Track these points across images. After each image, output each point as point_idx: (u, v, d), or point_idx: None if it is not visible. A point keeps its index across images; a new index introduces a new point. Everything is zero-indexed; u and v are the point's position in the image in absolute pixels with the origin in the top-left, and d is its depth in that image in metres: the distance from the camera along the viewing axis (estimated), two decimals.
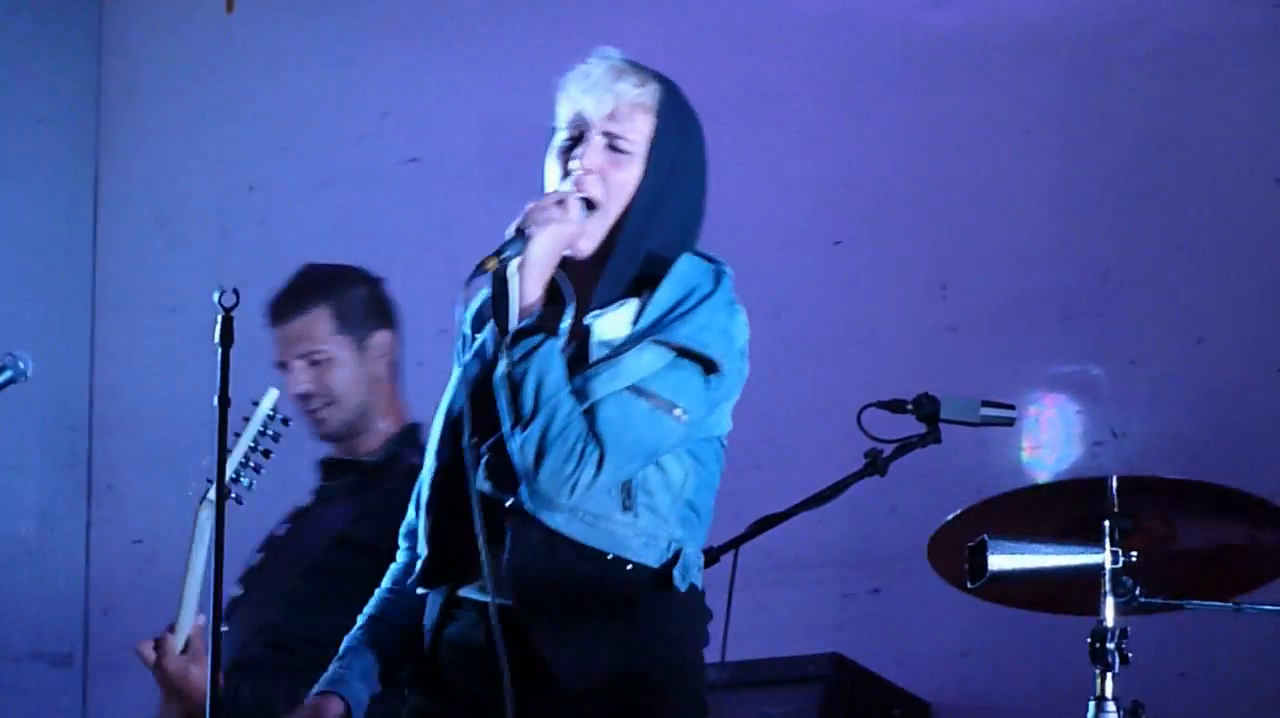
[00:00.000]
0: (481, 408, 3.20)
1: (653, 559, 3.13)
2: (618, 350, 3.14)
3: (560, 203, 3.19)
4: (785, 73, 5.92)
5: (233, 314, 3.23)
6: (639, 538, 3.11)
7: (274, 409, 3.73)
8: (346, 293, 4.45)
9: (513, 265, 3.13)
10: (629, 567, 3.10)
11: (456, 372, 3.31)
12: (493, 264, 3.17)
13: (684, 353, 3.12)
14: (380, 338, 4.38)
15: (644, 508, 3.13)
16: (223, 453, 3.31)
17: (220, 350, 3.20)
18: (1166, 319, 5.42)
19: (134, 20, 6.80)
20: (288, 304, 4.40)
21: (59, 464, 6.73)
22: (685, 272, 3.20)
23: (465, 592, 3.25)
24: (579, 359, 3.18)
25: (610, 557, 3.10)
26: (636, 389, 3.10)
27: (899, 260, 5.68)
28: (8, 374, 3.93)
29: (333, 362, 4.39)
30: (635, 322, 3.20)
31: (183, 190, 6.25)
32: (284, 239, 6.00)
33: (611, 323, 3.22)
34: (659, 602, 3.14)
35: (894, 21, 5.82)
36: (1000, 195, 5.69)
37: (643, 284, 3.24)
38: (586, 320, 3.20)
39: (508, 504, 3.11)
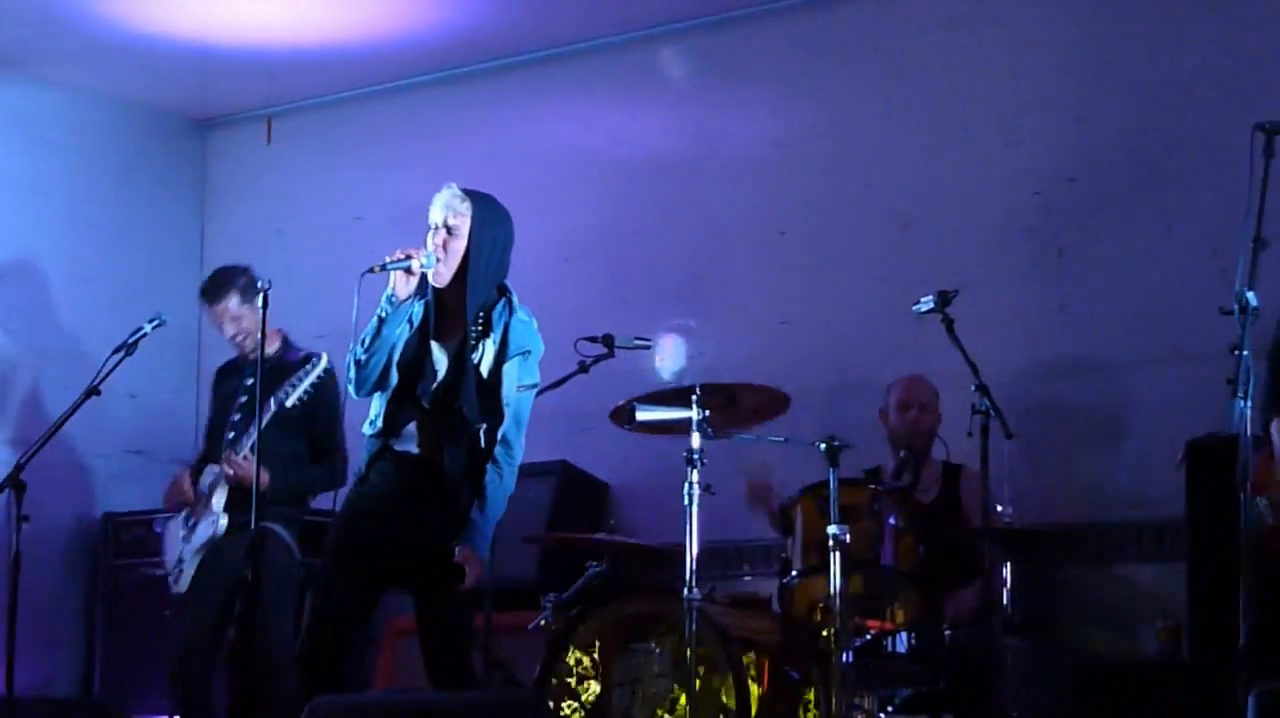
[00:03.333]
0: (417, 360, 6.04)
1: None
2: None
3: (409, 256, 5.91)
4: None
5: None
6: None
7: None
8: (234, 278, 7.52)
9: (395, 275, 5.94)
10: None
11: (375, 323, 5.93)
12: (377, 269, 5.89)
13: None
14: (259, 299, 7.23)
15: None
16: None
17: None
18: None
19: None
20: (213, 292, 7.52)
21: None
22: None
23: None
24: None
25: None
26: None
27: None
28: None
29: (241, 318, 7.48)
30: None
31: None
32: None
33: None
34: None
35: None
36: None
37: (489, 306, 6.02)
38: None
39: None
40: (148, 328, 7.53)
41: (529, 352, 6.09)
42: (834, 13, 8.81)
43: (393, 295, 6.02)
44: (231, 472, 7.31)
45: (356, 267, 6.00)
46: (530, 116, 9.61)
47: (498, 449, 6.04)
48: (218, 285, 7.53)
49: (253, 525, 6.45)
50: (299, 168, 10.35)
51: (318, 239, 9.87)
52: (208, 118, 10.63)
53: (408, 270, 5.99)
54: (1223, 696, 5.20)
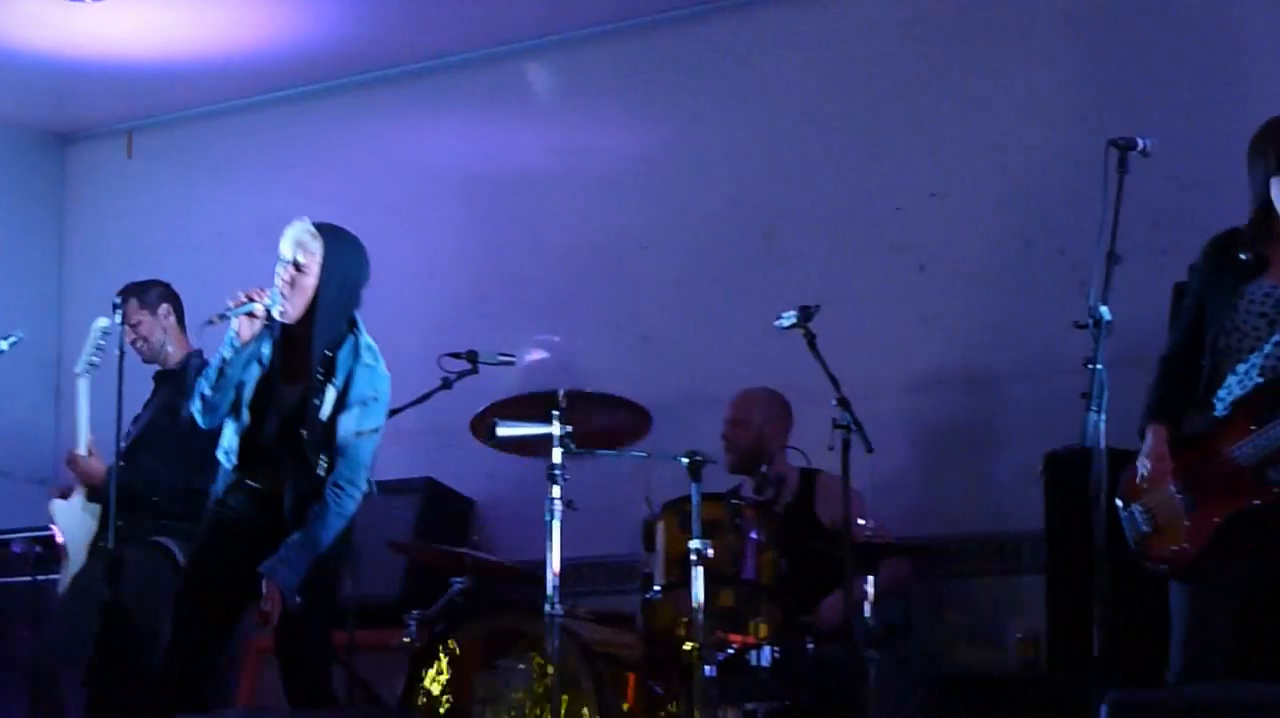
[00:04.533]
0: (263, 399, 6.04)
1: None
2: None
3: (252, 299, 5.98)
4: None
5: None
6: None
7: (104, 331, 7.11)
8: (145, 290, 7.60)
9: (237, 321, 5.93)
10: None
11: (219, 363, 6.00)
12: (217, 320, 5.88)
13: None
14: (164, 308, 7.55)
15: None
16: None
17: None
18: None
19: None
20: (122, 296, 7.43)
21: None
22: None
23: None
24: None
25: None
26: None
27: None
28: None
29: (142, 323, 7.54)
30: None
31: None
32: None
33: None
34: None
35: None
36: None
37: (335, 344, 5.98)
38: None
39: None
40: (4, 345, 7.43)
41: (371, 399, 6.08)
42: (697, 29, 8.85)
43: (235, 340, 6.00)
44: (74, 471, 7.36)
45: (217, 281, 5.99)
46: (394, 131, 9.60)
47: (328, 491, 6.03)
48: (126, 291, 7.54)
49: (110, 544, 6.41)
50: (160, 182, 10.27)
51: (179, 254, 9.77)
52: (67, 131, 10.54)
53: (250, 314, 5.97)
54: (1078, 706, 5.26)
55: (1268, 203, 5.44)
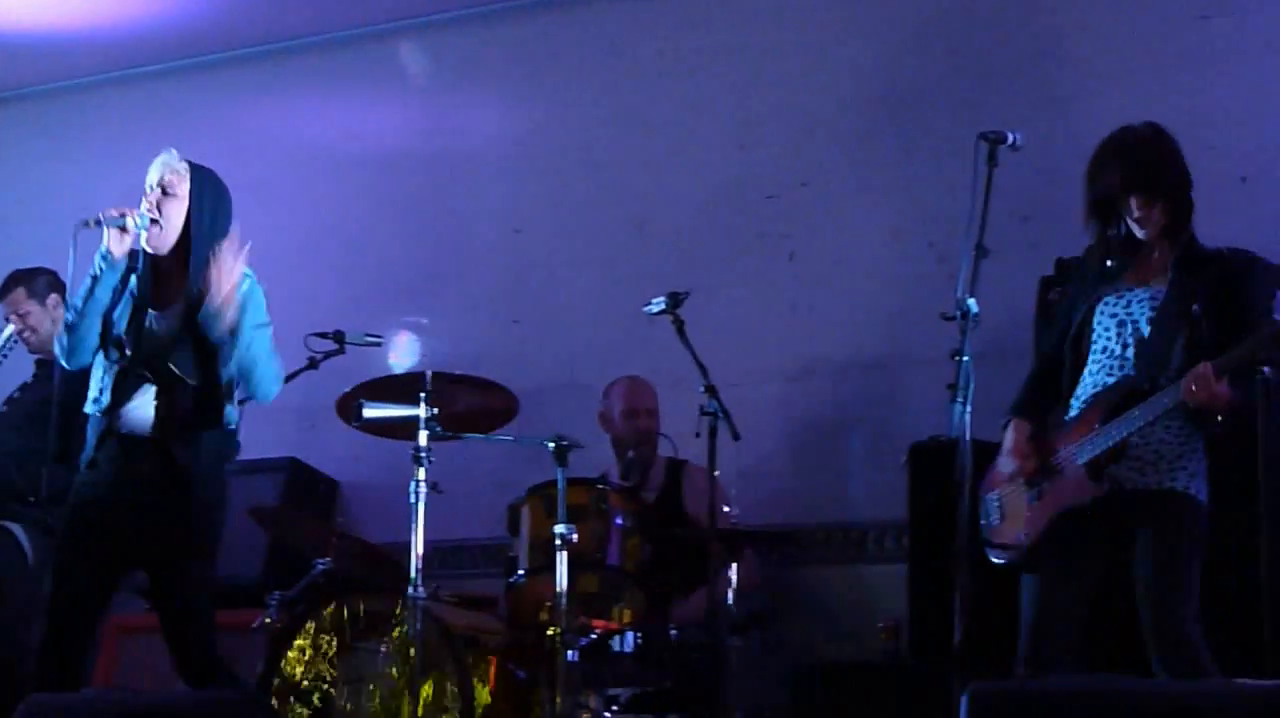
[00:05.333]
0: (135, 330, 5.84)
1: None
2: None
3: (124, 214, 5.76)
4: None
5: None
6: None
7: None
8: (33, 278, 7.41)
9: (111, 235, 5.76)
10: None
11: (89, 282, 5.78)
12: (91, 223, 5.71)
13: None
14: (53, 298, 7.32)
15: None
16: None
17: None
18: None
19: None
20: (4, 284, 7.38)
21: None
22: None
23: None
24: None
25: None
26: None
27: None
28: None
29: (30, 313, 7.33)
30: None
31: None
32: None
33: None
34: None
35: None
36: None
37: None
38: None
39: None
40: None
41: (265, 324, 6.03)
42: (573, 11, 8.85)
43: (108, 254, 5.87)
44: None
45: (84, 259, 5.87)
46: (262, 109, 9.54)
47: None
48: (9, 279, 7.44)
49: None
50: (23, 156, 10.13)
51: (43, 230, 9.57)
52: None
53: (122, 229, 5.83)
54: (939, 696, 5.34)
55: (1118, 213, 5.51)
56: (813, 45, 8.33)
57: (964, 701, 4.23)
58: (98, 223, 5.79)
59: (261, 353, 5.97)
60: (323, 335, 7.21)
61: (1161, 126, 5.52)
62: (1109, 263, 5.57)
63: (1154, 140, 5.48)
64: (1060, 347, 5.65)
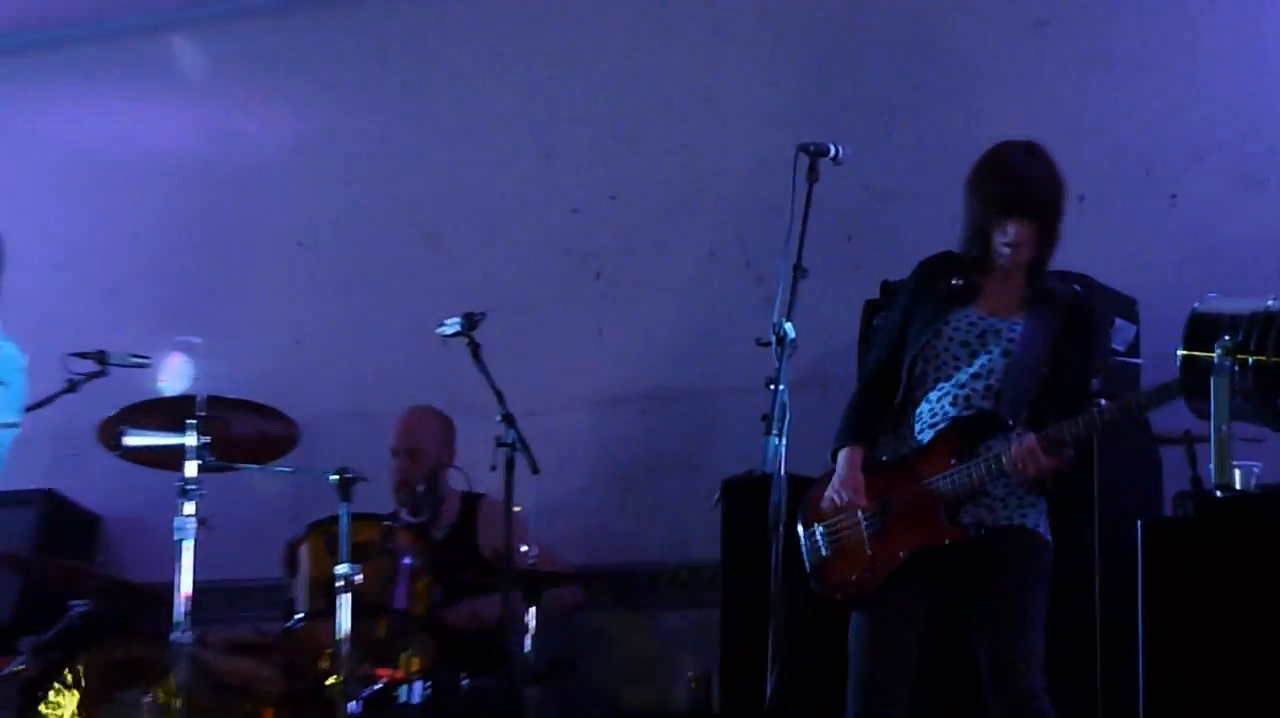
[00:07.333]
0: None
1: None
2: None
3: None
4: None
5: None
6: None
7: None
8: None
9: None
10: None
11: None
12: None
13: None
14: None
15: None
16: None
17: None
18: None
19: None
20: None
21: None
22: None
23: None
24: None
25: None
26: None
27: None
28: None
29: None
30: None
31: None
32: None
33: None
34: None
35: None
36: None
37: None
38: None
39: None
40: None
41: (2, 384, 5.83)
42: (362, 9, 8.82)
43: None
44: None
45: None
46: (21, 107, 9.41)
47: None
48: None
49: None
50: None
51: None
52: None
53: None
54: None
55: (986, 235, 5.53)
56: (621, 47, 8.35)
57: None
58: None
59: None
60: (83, 355, 7.07)
61: (1041, 147, 5.55)
62: (954, 283, 5.57)
63: (1036, 160, 5.52)
64: (889, 367, 5.62)
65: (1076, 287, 5.67)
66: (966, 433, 5.42)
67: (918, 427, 5.51)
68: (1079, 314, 5.53)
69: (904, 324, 5.62)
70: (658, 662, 7.83)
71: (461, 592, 6.84)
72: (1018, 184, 5.44)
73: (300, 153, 8.83)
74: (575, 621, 7.67)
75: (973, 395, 5.45)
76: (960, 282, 5.56)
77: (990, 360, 5.45)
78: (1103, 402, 5.25)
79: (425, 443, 7.53)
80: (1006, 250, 5.46)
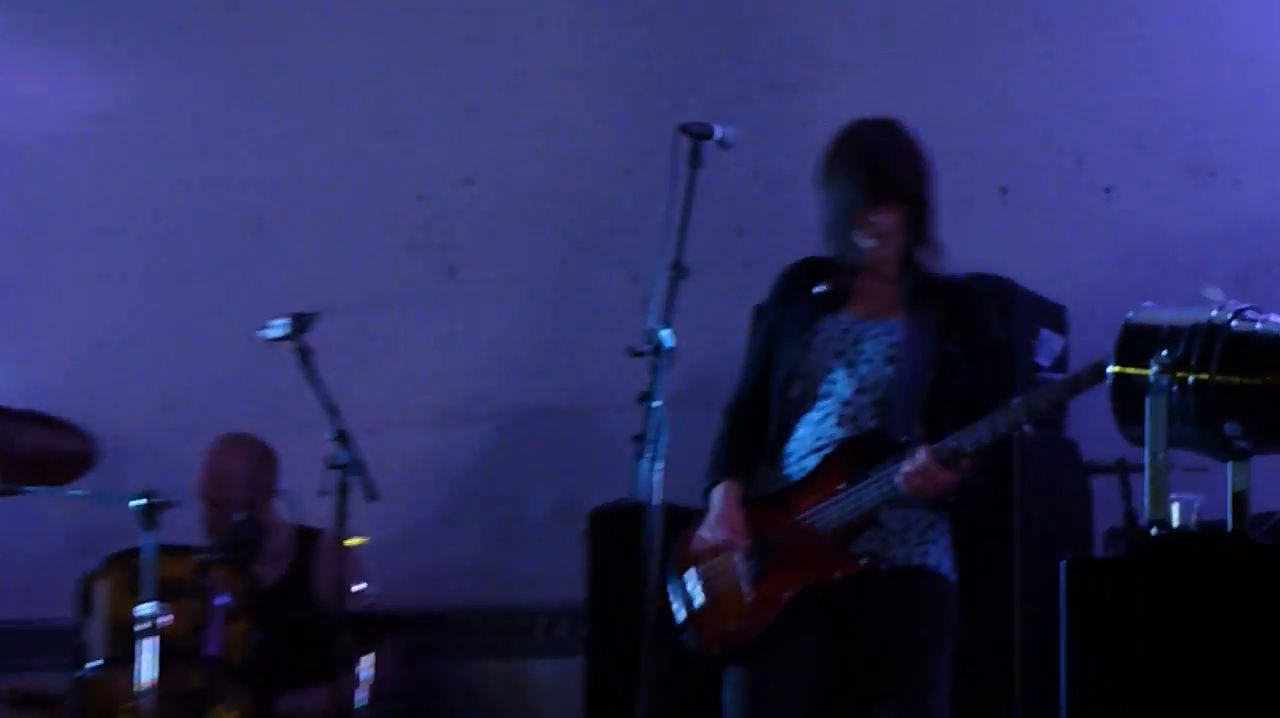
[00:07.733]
0: None
1: None
2: None
3: None
4: None
5: None
6: None
7: None
8: None
9: None
10: None
11: None
12: None
13: None
14: None
15: None
16: None
17: None
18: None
19: None
20: None
21: None
22: None
23: None
24: None
25: None
26: None
27: None
28: None
29: None
30: None
31: None
32: None
33: None
34: None
35: None
36: None
37: None
38: None
39: None
40: None
41: None
42: None
43: None
44: None
45: None
46: None
47: None
48: None
49: None
50: None
51: None
52: None
53: None
54: None
55: (848, 229, 5.52)
56: (478, 6, 8.34)
57: None
58: None
59: None
60: None
61: (899, 123, 5.54)
62: (818, 289, 5.57)
63: (892, 139, 5.52)
64: (759, 391, 5.62)
65: (957, 275, 5.61)
66: (855, 456, 5.40)
67: (799, 453, 5.50)
68: (962, 303, 5.52)
69: (769, 342, 5.63)
70: (517, 714, 7.91)
71: (285, 636, 6.79)
72: (875, 165, 5.45)
73: (102, 124, 8.73)
74: (421, 671, 7.64)
75: (860, 414, 5.44)
76: (826, 286, 5.57)
77: (873, 371, 5.45)
78: (1015, 401, 5.25)
79: (232, 491, 7.40)
80: (872, 242, 5.47)
